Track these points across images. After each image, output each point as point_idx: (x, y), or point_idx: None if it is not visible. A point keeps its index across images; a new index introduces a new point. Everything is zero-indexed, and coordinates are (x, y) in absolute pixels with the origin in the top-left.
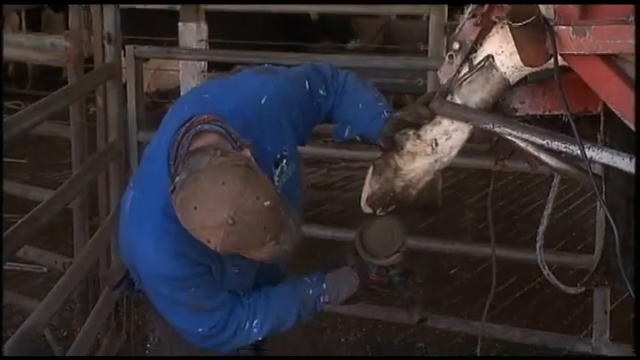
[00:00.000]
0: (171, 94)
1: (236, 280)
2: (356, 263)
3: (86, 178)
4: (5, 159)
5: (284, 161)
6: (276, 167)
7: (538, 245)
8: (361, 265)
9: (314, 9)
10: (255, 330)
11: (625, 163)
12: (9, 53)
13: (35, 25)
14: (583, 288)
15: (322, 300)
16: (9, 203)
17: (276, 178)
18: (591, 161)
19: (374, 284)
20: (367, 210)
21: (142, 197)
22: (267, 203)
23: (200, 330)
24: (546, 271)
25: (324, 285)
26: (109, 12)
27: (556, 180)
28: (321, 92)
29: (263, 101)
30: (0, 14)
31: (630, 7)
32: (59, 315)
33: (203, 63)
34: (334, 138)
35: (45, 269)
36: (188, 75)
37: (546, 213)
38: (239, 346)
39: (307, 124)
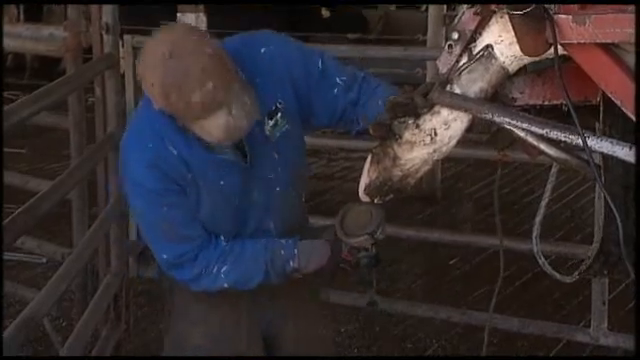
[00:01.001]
0: None
1: (211, 214)
2: (332, 239)
3: (85, 168)
4: (4, 149)
5: (279, 114)
6: (270, 118)
7: (534, 235)
8: (336, 242)
9: None
10: (222, 276)
11: (624, 152)
12: (7, 44)
13: (34, 16)
14: (578, 277)
15: (291, 264)
16: (7, 194)
17: (268, 128)
18: (592, 150)
19: (344, 263)
20: (365, 199)
21: (140, 112)
22: (209, 50)
23: (165, 257)
24: (541, 260)
25: (295, 250)
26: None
27: (554, 170)
28: (338, 80)
29: (262, 51)
30: (0, 8)
31: None
32: (58, 305)
33: None
34: (349, 130)
35: (44, 259)
36: None
37: (543, 203)
38: (205, 288)
39: (317, 100)
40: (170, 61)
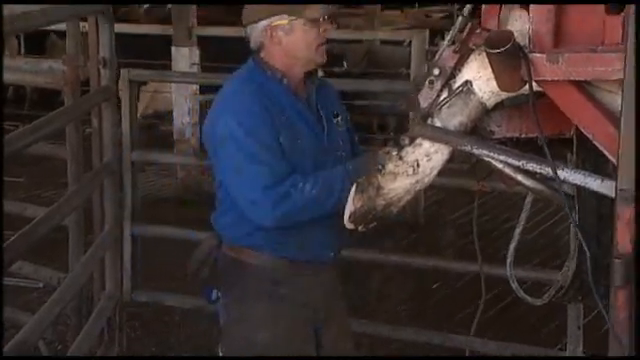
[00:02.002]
0: (168, 116)
1: (294, 158)
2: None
3: (81, 196)
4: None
5: (339, 117)
6: (334, 117)
7: (508, 261)
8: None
9: None
10: (308, 187)
11: (596, 184)
12: (7, 77)
13: (35, 49)
14: (547, 300)
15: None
16: (6, 221)
17: (336, 120)
18: (564, 182)
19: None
20: (350, 226)
21: (238, 73)
22: None
23: (262, 182)
24: (514, 285)
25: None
26: (105, 37)
27: (528, 199)
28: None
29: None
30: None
31: (599, 36)
32: (54, 329)
33: (195, 86)
34: None
35: (40, 284)
36: (180, 97)
37: (517, 231)
38: (296, 204)
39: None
40: None
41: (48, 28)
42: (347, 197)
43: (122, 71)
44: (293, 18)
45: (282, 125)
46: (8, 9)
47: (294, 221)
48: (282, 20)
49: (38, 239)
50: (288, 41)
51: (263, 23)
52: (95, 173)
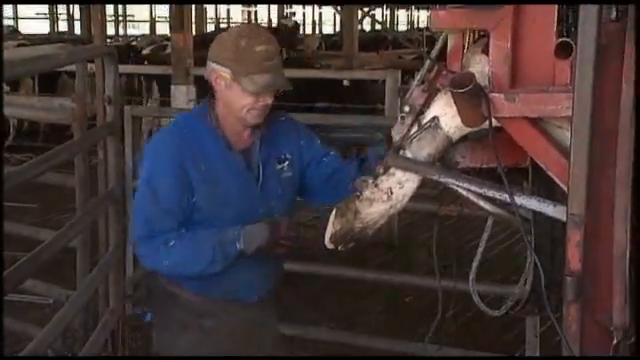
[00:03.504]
0: None
1: (209, 208)
2: (270, 221)
3: (86, 220)
4: (17, 204)
5: (286, 163)
6: (279, 163)
7: (471, 277)
8: (273, 223)
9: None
10: (177, 247)
11: (550, 209)
12: (22, 113)
13: (47, 88)
14: (505, 312)
15: (237, 246)
16: (20, 243)
17: (277, 168)
18: (521, 207)
19: (283, 239)
20: (330, 246)
21: (177, 118)
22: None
23: (141, 226)
24: (476, 298)
25: (242, 232)
26: (110, 78)
27: (489, 222)
28: (325, 158)
29: (283, 118)
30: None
31: (550, 78)
32: (63, 340)
33: None
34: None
35: (51, 300)
36: None
37: (480, 250)
38: (161, 261)
39: (311, 165)
40: (243, 27)
41: (60, 69)
42: (218, 267)
43: (125, 108)
44: (232, 77)
45: (200, 179)
46: (26, 52)
47: (169, 274)
48: (224, 73)
49: (45, 261)
50: (226, 94)
51: (212, 65)
52: (100, 200)
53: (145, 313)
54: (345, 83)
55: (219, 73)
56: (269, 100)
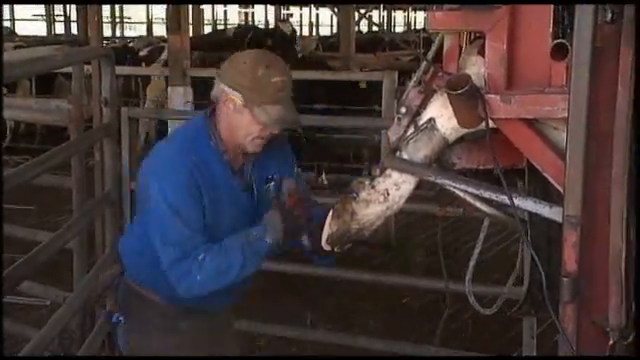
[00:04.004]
0: None
1: (219, 226)
2: (273, 204)
3: (83, 222)
4: (15, 206)
5: (272, 183)
6: (266, 182)
7: (467, 277)
8: (277, 205)
9: None
10: (207, 259)
11: (546, 210)
12: (19, 115)
13: (44, 90)
14: (496, 310)
15: (267, 241)
16: (18, 245)
17: (266, 187)
18: (518, 208)
19: (294, 208)
20: (327, 248)
21: (186, 126)
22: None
23: (172, 250)
24: (472, 299)
25: (265, 227)
26: (106, 79)
27: (486, 223)
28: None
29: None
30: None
31: (546, 79)
32: (60, 343)
33: None
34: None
35: (48, 302)
36: None
37: (476, 251)
38: (195, 278)
39: None
40: (261, 53)
41: (56, 70)
42: (252, 267)
43: (122, 109)
44: (244, 104)
45: (209, 200)
46: (24, 54)
47: (204, 291)
48: (236, 97)
49: (41, 263)
50: (233, 117)
51: (223, 87)
52: (97, 201)
53: (112, 315)
54: (362, 85)
55: (230, 96)
56: (276, 130)
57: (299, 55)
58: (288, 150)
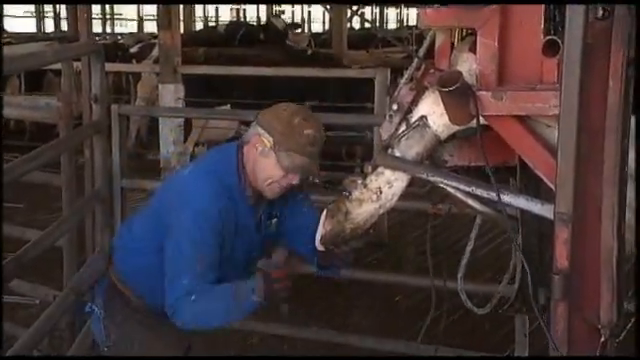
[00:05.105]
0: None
1: (231, 260)
2: (261, 270)
3: (73, 220)
4: (4, 204)
5: (274, 220)
6: (269, 218)
7: (459, 275)
8: (264, 272)
9: (267, 72)
10: (195, 299)
11: (537, 207)
12: (9, 112)
13: (33, 87)
14: (490, 309)
15: (254, 299)
16: (7, 243)
17: (268, 222)
18: (508, 205)
19: (276, 281)
20: (321, 248)
21: (202, 169)
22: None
23: (185, 282)
24: (464, 297)
25: (255, 284)
26: (96, 76)
27: (478, 221)
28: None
29: None
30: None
31: (537, 76)
32: (50, 341)
33: (180, 119)
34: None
35: (37, 301)
36: (166, 129)
37: (468, 248)
38: (187, 320)
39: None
40: (302, 108)
41: (46, 67)
42: (237, 316)
43: (112, 106)
44: (272, 146)
45: (228, 235)
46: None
47: (194, 327)
48: (266, 139)
49: (30, 261)
50: (259, 160)
51: (258, 129)
52: (87, 199)
53: (84, 305)
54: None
55: (261, 138)
56: (295, 181)
57: (308, 52)
58: (296, 192)
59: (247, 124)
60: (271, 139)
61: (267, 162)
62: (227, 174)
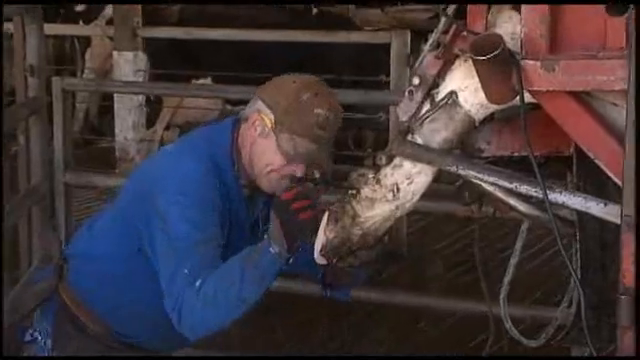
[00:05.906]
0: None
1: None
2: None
3: (4, 225)
4: None
5: None
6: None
7: (501, 297)
8: (277, 210)
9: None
10: (205, 288)
11: (599, 209)
12: None
13: None
14: (544, 341)
15: (271, 250)
16: None
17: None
18: (563, 206)
19: (294, 201)
20: (321, 261)
21: (187, 145)
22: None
23: (186, 271)
24: (508, 325)
25: (267, 238)
26: (33, 41)
27: (524, 227)
28: None
29: None
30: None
31: (601, 38)
32: None
33: (141, 97)
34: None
35: None
36: (123, 109)
37: (512, 262)
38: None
39: None
40: (313, 80)
41: None
42: (254, 284)
43: (53, 79)
44: (273, 126)
45: (222, 217)
46: None
47: (207, 324)
48: (267, 116)
49: None
50: (257, 142)
51: (259, 103)
52: (21, 198)
53: (24, 330)
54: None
55: (261, 115)
56: (299, 173)
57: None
58: None
59: (234, 103)
60: (272, 117)
61: (266, 145)
62: (218, 156)
